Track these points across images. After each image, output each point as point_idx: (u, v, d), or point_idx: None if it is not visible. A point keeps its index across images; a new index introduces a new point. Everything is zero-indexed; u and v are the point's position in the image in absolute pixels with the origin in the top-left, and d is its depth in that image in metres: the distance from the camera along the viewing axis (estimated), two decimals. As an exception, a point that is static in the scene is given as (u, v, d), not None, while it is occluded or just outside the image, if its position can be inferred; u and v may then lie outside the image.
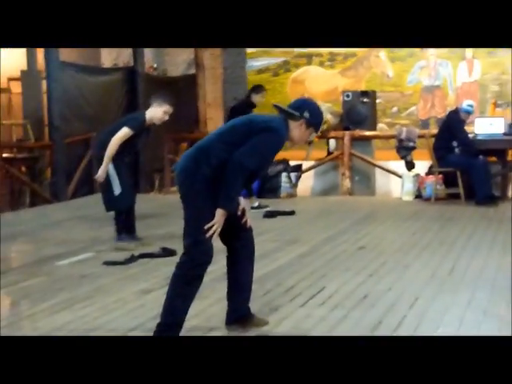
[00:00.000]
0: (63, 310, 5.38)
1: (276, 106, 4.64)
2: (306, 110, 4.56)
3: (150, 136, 7.51)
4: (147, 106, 7.38)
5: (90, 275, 6.50)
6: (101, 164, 7.25)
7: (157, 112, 7.12)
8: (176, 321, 4.39)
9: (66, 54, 12.58)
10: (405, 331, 4.67)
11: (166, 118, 7.23)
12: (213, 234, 4.31)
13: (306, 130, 4.57)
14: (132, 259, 6.98)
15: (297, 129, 4.54)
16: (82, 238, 8.23)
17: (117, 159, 7.27)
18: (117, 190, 7.26)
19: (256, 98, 11.04)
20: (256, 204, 10.50)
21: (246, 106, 10.87)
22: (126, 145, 7.19)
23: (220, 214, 4.28)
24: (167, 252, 6.98)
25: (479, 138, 11.15)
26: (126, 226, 7.47)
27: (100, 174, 7.23)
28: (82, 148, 12.69)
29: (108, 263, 6.87)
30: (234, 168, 4.24)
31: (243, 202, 4.63)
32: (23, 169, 12.67)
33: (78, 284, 6.18)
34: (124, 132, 7.11)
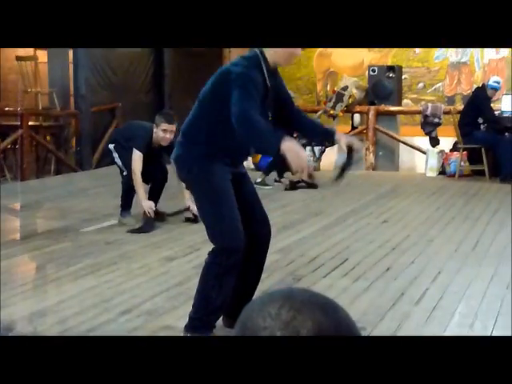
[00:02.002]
0: (88, 274, 5.44)
1: None
2: None
3: (171, 152, 7.31)
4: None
5: (115, 242, 6.56)
6: (112, 155, 7.41)
7: (157, 133, 7.03)
8: (210, 315, 3.93)
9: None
10: (427, 303, 4.69)
11: (168, 135, 6.97)
12: None
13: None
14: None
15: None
16: (107, 207, 8.28)
17: (118, 145, 7.30)
18: (124, 171, 7.27)
19: None
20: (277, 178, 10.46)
21: None
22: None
23: (287, 151, 3.46)
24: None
25: (505, 115, 11.07)
26: (130, 203, 7.43)
27: (145, 206, 7.10)
28: (108, 117, 12.74)
29: (133, 231, 6.93)
30: (242, 122, 3.61)
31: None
32: (48, 137, 12.74)
33: (103, 250, 6.24)
34: (136, 156, 7.02)
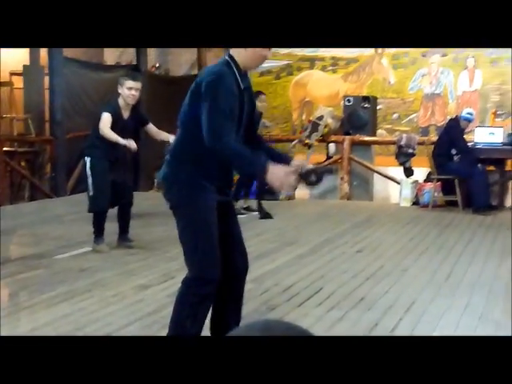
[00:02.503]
0: (62, 302, 5.41)
1: None
2: None
3: (143, 121, 7.37)
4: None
5: (89, 269, 6.53)
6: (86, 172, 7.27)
7: (123, 92, 7.02)
8: None
9: (70, 51, 12.60)
10: (401, 333, 4.70)
11: (134, 92, 7.00)
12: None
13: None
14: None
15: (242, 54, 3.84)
16: (81, 233, 8.25)
17: (95, 157, 7.18)
18: (90, 191, 7.21)
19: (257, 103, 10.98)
20: (246, 205, 10.43)
21: None
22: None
23: (269, 177, 3.55)
24: None
25: (478, 146, 11.20)
26: (102, 228, 7.33)
27: (127, 144, 7.08)
28: (83, 144, 12.70)
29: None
30: (219, 150, 3.63)
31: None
32: (23, 163, 12.69)
33: (77, 277, 6.20)
34: (104, 116, 6.99)
